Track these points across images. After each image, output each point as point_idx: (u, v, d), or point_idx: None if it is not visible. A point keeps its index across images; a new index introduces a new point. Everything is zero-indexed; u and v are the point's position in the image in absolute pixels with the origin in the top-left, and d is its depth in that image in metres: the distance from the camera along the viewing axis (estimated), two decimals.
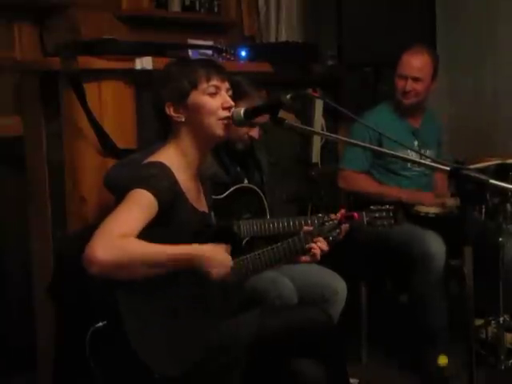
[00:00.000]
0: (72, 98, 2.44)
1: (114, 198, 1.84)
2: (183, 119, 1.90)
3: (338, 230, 2.12)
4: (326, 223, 2.11)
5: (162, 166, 1.83)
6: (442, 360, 2.79)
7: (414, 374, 2.91)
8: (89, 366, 1.75)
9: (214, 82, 1.90)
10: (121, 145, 2.53)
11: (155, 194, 1.76)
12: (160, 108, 1.91)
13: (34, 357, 2.74)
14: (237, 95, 2.02)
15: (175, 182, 1.84)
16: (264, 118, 2.33)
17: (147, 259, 1.71)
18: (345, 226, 2.17)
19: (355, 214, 2.19)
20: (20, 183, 2.76)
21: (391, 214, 2.29)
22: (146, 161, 1.89)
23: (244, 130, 2.37)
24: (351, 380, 2.55)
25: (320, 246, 2.06)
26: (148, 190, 1.76)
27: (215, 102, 1.89)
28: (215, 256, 1.82)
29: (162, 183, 1.80)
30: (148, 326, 1.73)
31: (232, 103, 1.91)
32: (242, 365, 1.87)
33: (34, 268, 2.72)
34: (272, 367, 1.95)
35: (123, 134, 2.57)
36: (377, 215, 2.28)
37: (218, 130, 1.90)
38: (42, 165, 2.62)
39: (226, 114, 1.90)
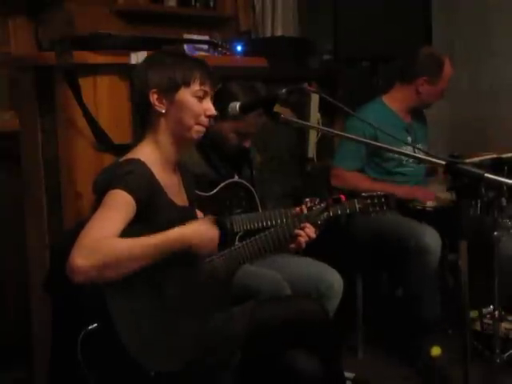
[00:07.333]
0: (67, 93, 2.43)
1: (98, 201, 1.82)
2: (163, 111, 1.87)
3: (326, 214, 2.13)
4: (314, 208, 2.13)
5: (137, 163, 1.81)
6: (435, 351, 2.81)
7: (410, 368, 2.91)
8: (82, 367, 1.74)
9: (206, 87, 1.89)
10: (116, 139, 2.53)
11: (132, 193, 1.74)
12: (144, 93, 1.86)
13: (31, 354, 2.74)
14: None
15: (152, 178, 1.82)
16: (255, 129, 2.38)
17: (131, 253, 1.68)
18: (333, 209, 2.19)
19: (342, 196, 2.20)
20: (16, 178, 2.76)
21: (383, 200, 2.29)
22: (122, 158, 1.87)
23: (236, 139, 2.38)
24: (347, 374, 2.57)
25: (307, 232, 2.08)
26: (124, 189, 1.73)
27: (200, 106, 1.88)
28: (201, 235, 1.80)
29: (138, 181, 1.77)
30: (139, 323, 1.71)
31: (214, 113, 1.91)
32: (237, 359, 1.87)
33: (30, 264, 2.71)
34: (267, 360, 1.96)
35: (118, 128, 2.57)
36: (369, 201, 2.29)
37: (194, 133, 1.89)
38: (37, 159, 2.61)
39: (206, 121, 1.90)
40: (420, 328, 2.88)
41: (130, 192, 1.74)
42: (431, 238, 2.81)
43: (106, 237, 1.66)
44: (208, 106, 1.90)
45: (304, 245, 2.09)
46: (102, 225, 1.69)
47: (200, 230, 1.82)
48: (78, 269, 1.61)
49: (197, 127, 1.89)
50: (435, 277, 2.85)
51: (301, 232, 2.08)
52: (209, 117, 1.90)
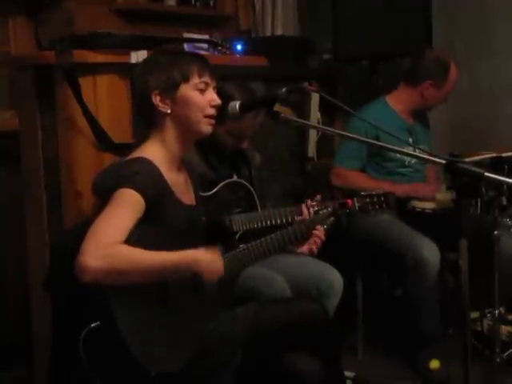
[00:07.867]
0: (67, 92, 2.43)
1: (100, 201, 1.81)
2: (169, 111, 1.86)
3: (332, 218, 2.13)
4: (320, 212, 2.13)
5: (144, 161, 1.80)
6: (434, 364, 2.80)
7: (410, 368, 2.91)
8: (84, 365, 1.73)
9: (206, 78, 1.88)
10: (116, 138, 2.53)
11: (140, 192, 1.73)
12: (146, 96, 1.86)
13: (31, 354, 2.74)
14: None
15: (159, 177, 1.81)
16: (250, 131, 2.38)
17: (140, 267, 1.68)
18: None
19: (348, 201, 2.20)
20: (16, 177, 2.76)
21: (382, 199, 2.29)
22: (127, 157, 1.86)
23: (230, 140, 2.38)
24: (347, 373, 2.57)
25: (317, 234, 2.09)
26: (133, 188, 1.73)
27: (204, 98, 1.88)
28: (208, 262, 1.80)
29: (146, 179, 1.76)
30: (141, 324, 1.71)
31: (219, 102, 1.90)
32: (237, 359, 1.87)
33: (30, 263, 2.71)
34: (267, 361, 1.95)
35: (118, 127, 2.57)
36: (368, 200, 2.28)
37: (204, 127, 1.89)
38: (37, 159, 2.61)
39: (212, 111, 1.89)
40: (419, 341, 2.87)
41: (138, 190, 1.73)
42: (430, 254, 2.78)
43: (118, 239, 1.66)
44: (212, 97, 1.89)
45: (316, 250, 2.09)
46: (110, 223, 1.68)
47: (208, 257, 1.80)
48: (88, 269, 1.61)
49: (205, 120, 1.88)
50: (434, 289, 2.83)
51: (311, 240, 2.10)
52: (214, 107, 1.89)
